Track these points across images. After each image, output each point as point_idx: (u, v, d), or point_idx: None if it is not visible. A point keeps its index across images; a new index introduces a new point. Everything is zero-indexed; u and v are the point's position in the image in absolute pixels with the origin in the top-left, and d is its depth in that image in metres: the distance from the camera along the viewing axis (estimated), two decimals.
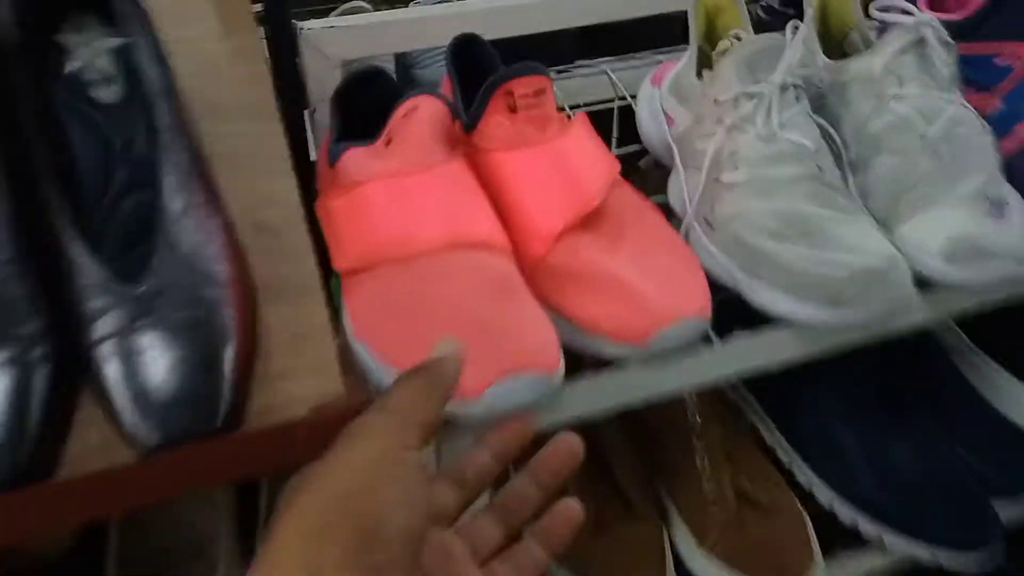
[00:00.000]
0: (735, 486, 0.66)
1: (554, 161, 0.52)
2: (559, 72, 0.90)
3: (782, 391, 0.71)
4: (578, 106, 0.76)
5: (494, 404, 0.43)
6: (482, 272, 0.47)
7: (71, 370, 0.44)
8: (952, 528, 0.65)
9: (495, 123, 0.53)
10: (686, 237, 0.57)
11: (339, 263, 0.50)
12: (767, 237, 0.52)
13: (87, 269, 0.43)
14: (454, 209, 0.49)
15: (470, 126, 0.54)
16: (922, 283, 0.53)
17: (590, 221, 0.52)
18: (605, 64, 0.81)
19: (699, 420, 0.68)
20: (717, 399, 0.72)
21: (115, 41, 0.46)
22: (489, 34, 0.74)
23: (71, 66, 0.46)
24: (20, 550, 0.64)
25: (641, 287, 0.48)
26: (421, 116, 0.51)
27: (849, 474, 0.67)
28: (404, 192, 0.49)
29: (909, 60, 0.59)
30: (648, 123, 0.68)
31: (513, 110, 0.53)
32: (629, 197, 0.56)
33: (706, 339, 0.52)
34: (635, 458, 0.68)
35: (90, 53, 0.47)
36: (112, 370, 0.43)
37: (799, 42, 0.56)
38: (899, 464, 0.67)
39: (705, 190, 0.57)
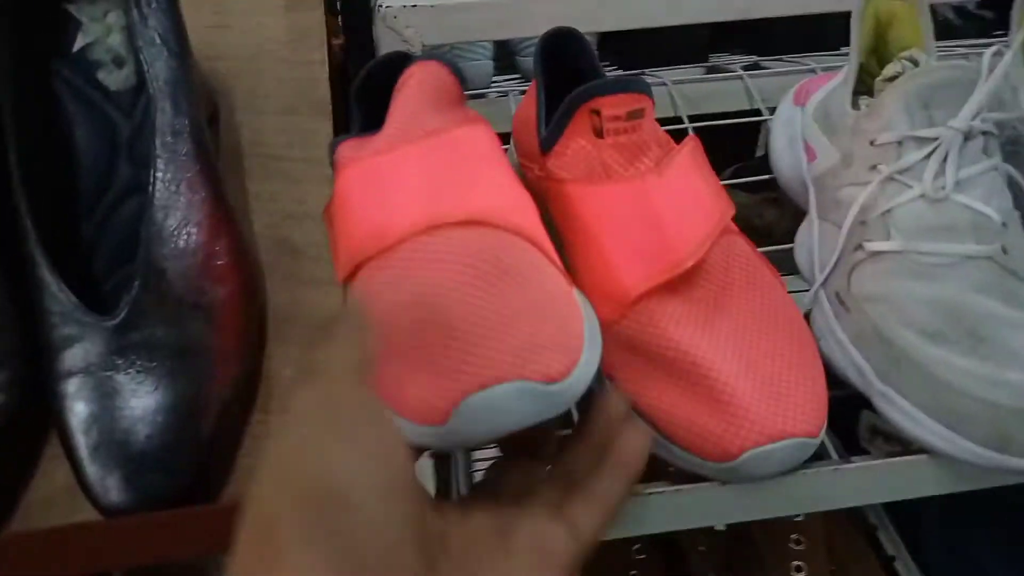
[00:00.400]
0: None
1: (642, 204, 0.41)
2: (706, 70, 0.78)
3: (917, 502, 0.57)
4: (704, 117, 0.64)
5: (462, 427, 0.31)
6: (469, 254, 0.35)
7: (38, 401, 0.38)
8: None
9: (575, 148, 0.43)
10: (808, 314, 0.45)
11: (337, 273, 0.40)
12: (918, 335, 0.39)
13: (54, 292, 0.36)
14: (438, 185, 0.38)
15: (547, 147, 0.44)
16: None
17: (683, 283, 0.40)
18: (744, 64, 0.68)
19: (804, 543, 0.56)
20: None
21: (130, 16, 0.39)
22: (601, 26, 0.64)
23: (79, 42, 0.39)
24: None
25: (735, 388, 0.36)
26: (412, 86, 0.41)
27: None
28: (378, 174, 0.39)
29: None
30: (782, 151, 0.55)
31: (599, 134, 0.42)
32: (739, 252, 0.44)
33: (821, 455, 0.40)
34: (720, 560, 0.57)
35: (102, 29, 0.39)
36: (77, 410, 0.36)
37: (999, 76, 0.42)
38: None
39: (843, 256, 0.44)
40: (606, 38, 0.79)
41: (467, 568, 0.29)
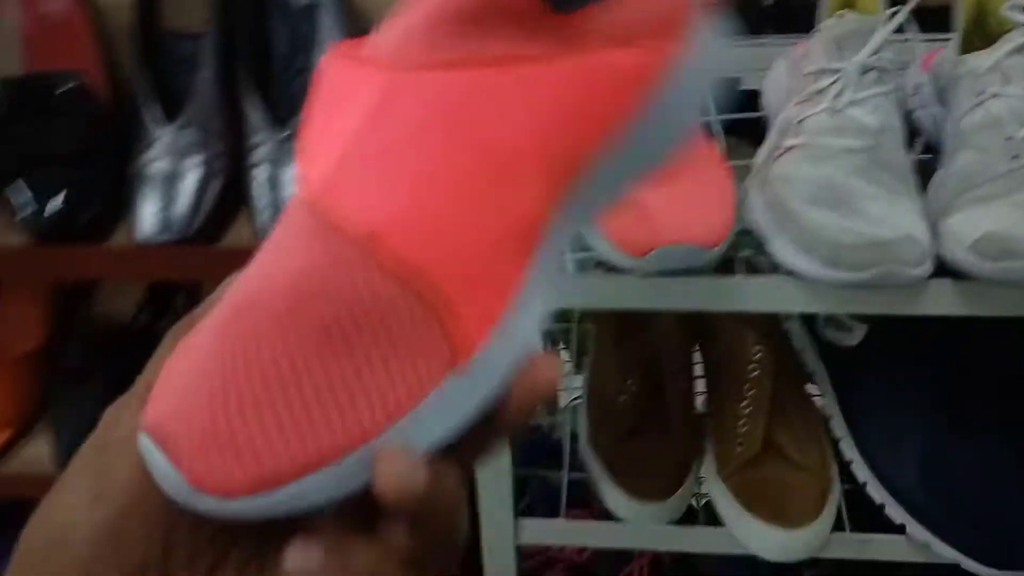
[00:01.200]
0: (771, 438, 0.70)
1: None
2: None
3: (851, 366, 0.73)
4: None
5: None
6: (328, 307, 0.25)
7: (240, 181, 0.63)
8: (990, 545, 0.64)
9: None
10: (744, 196, 0.63)
11: None
12: (802, 200, 0.56)
13: (253, 115, 0.61)
14: (365, 150, 0.27)
15: None
16: (958, 275, 0.55)
17: None
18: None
19: (758, 371, 0.73)
20: (793, 357, 0.76)
21: None
22: None
23: None
24: None
25: (657, 207, 0.56)
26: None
27: (895, 466, 0.68)
28: (336, 90, 0.29)
29: (1019, 61, 0.58)
30: (768, 93, 0.73)
31: None
32: (707, 151, 0.63)
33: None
34: (691, 384, 0.75)
35: None
36: (257, 184, 0.61)
37: (889, 27, 0.59)
38: (952, 474, 0.67)
39: (771, 152, 0.62)
40: None
41: None
